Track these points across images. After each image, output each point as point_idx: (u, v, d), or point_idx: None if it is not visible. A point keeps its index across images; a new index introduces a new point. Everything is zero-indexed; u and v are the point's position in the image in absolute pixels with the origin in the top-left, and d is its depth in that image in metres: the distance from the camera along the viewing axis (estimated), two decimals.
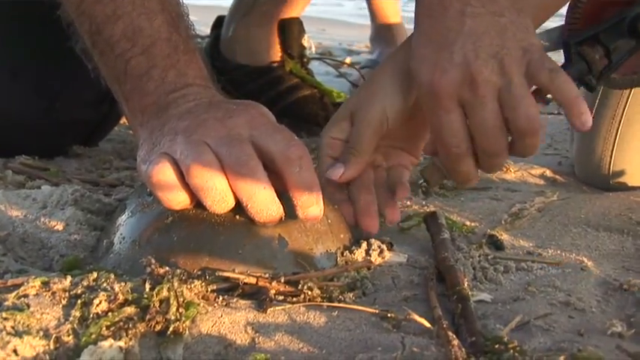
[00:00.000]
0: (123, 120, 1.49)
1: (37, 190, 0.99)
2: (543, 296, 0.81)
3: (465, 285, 0.79)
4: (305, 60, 1.61)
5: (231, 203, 0.81)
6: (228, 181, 0.80)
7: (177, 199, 0.81)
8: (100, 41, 0.91)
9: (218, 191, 0.79)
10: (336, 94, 1.62)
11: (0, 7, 1.26)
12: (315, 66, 1.68)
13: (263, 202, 0.80)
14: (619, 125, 1.20)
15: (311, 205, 0.82)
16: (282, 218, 0.82)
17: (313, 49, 2.25)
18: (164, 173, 0.80)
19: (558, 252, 0.95)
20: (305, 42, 1.60)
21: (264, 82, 1.58)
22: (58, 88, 1.28)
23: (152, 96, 0.89)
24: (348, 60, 2.66)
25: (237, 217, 0.82)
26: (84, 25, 0.92)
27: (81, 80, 1.29)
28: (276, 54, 1.59)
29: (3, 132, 1.27)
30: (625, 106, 1.19)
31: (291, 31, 1.56)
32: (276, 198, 0.81)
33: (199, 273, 0.76)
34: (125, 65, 0.90)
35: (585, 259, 0.92)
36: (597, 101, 1.23)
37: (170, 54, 0.90)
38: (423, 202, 1.14)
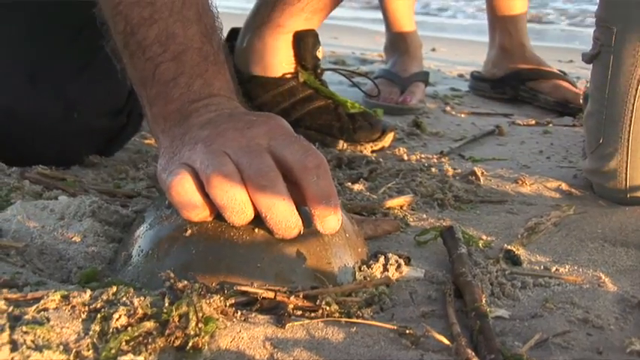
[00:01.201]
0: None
1: (54, 200, 1.00)
2: (561, 313, 0.81)
3: (483, 301, 0.79)
4: (319, 71, 1.62)
5: (251, 215, 0.81)
6: (248, 193, 0.80)
7: (197, 212, 0.81)
8: (133, 43, 0.92)
9: (238, 202, 0.79)
10: (350, 105, 1.62)
11: (21, 11, 1.27)
12: (328, 75, 1.68)
13: (282, 213, 0.80)
14: (628, 142, 1.19)
15: (328, 215, 0.81)
16: (300, 231, 0.82)
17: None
18: (183, 185, 0.80)
19: (575, 267, 0.95)
20: (319, 54, 1.60)
21: (278, 93, 1.58)
22: (77, 96, 1.28)
23: (176, 103, 0.90)
24: (361, 69, 2.67)
25: (256, 230, 0.82)
26: (119, 25, 0.93)
27: (99, 90, 1.30)
28: (291, 65, 1.59)
29: (21, 139, 1.27)
30: (631, 121, 1.19)
31: (306, 42, 1.56)
32: (296, 210, 0.81)
33: (218, 287, 0.76)
34: (154, 69, 0.91)
35: (603, 275, 0.92)
36: (605, 117, 1.22)
37: (199, 63, 0.91)
38: (439, 216, 1.14)
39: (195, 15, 0.93)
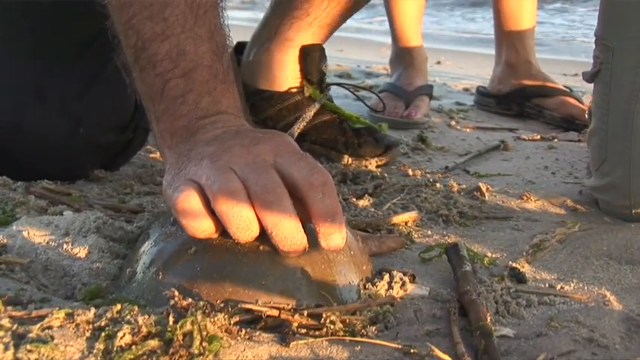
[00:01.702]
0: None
1: (59, 216, 1.00)
2: (566, 332, 0.81)
3: (488, 320, 0.79)
4: (324, 85, 1.62)
5: (256, 231, 0.81)
6: (254, 209, 0.80)
7: (202, 228, 0.81)
8: (143, 58, 0.92)
9: (243, 218, 0.79)
10: (355, 119, 1.62)
11: (28, 27, 1.27)
12: (333, 89, 1.68)
13: (288, 230, 0.80)
14: (630, 159, 1.18)
15: (333, 232, 0.81)
16: (306, 249, 0.82)
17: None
18: (189, 201, 0.80)
19: (580, 285, 0.95)
20: (325, 68, 1.60)
21: (283, 107, 1.58)
22: (83, 112, 1.28)
23: (183, 119, 0.90)
24: (366, 83, 2.67)
25: (261, 247, 0.82)
26: (130, 39, 0.93)
27: (106, 105, 1.30)
28: (297, 79, 1.59)
29: (26, 154, 1.28)
30: (632, 138, 1.18)
31: (312, 57, 1.56)
32: (301, 227, 0.81)
33: (222, 305, 0.75)
34: (163, 85, 0.91)
35: (608, 294, 0.92)
36: (607, 135, 1.22)
37: (209, 81, 0.91)
38: (444, 233, 1.13)
39: (206, 33, 0.93)
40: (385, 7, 2.31)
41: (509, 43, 2.25)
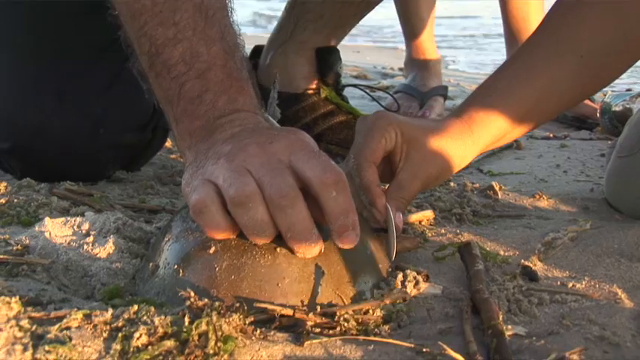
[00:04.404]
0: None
1: (80, 217, 0.99)
2: (578, 330, 0.79)
3: (500, 319, 0.78)
4: (340, 87, 1.61)
5: (271, 234, 0.80)
6: (269, 212, 0.79)
7: (219, 229, 0.80)
8: (158, 63, 0.91)
9: (259, 222, 0.78)
10: None
11: (51, 33, 1.27)
12: (349, 90, 1.67)
13: (302, 233, 0.79)
14: None
15: (347, 229, 0.80)
16: (321, 250, 0.81)
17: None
18: (206, 204, 0.79)
19: (592, 283, 0.93)
20: (340, 70, 1.59)
21: (300, 108, 1.58)
22: (103, 113, 1.28)
23: (201, 119, 0.89)
24: (382, 83, 2.66)
25: (278, 249, 0.81)
26: (144, 46, 0.92)
27: (125, 106, 1.30)
28: (313, 81, 1.58)
29: (49, 156, 1.28)
30: None
31: (327, 59, 1.56)
32: (316, 229, 0.80)
33: (237, 305, 0.75)
34: (180, 88, 0.90)
35: (619, 291, 0.90)
36: None
37: (223, 80, 0.90)
38: (457, 231, 1.12)
39: (217, 33, 0.92)
40: (397, 10, 2.29)
41: (519, 43, 2.22)
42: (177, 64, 0.90)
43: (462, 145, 1.03)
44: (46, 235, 0.94)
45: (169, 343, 0.67)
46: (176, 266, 0.82)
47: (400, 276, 0.88)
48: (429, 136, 1.02)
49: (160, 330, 0.68)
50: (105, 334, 0.69)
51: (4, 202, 1.12)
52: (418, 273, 0.89)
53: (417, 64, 2.26)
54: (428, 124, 1.07)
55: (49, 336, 0.67)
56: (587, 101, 2.11)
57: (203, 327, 0.68)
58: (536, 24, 2.14)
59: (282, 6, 1.66)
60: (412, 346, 0.73)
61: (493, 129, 1.04)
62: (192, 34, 0.91)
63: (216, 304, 0.72)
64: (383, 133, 1.00)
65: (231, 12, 0.97)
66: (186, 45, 0.90)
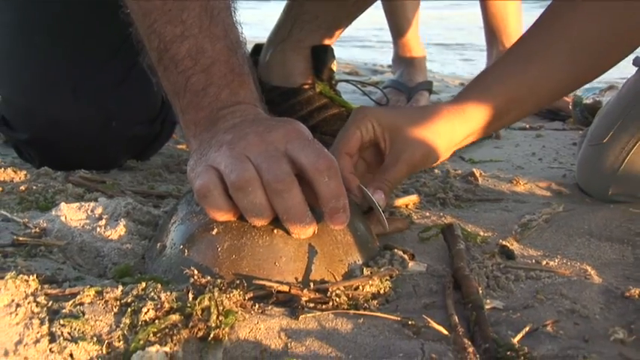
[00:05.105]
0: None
1: (93, 202, 0.98)
2: (551, 303, 0.79)
3: (479, 293, 0.77)
4: (333, 82, 1.60)
5: (269, 216, 0.80)
6: (267, 196, 0.79)
7: (221, 212, 0.80)
8: (166, 58, 0.91)
9: (257, 205, 0.78)
10: None
11: (67, 31, 1.27)
12: (342, 85, 1.66)
13: (298, 215, 0.79)
14: (633, 147, 1.15)
15: (338, 212, 0.80)
16: (315, 231, 0.81)
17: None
18: (209, 188, 0.79)
19: (564, 261, 0.93)
20: (334, 66, 1.58)
21: (296, 102, 1.57)
22: (115, 107, 1.28)
23: (205, 110, 0.89)
24: (373, 79, 2.65)
25: (275, 230, 0.80)
26: (153, 42, 0.92)
27: (136, 101, 1.30)
28: (308, 77, 1.57)
29: (65, 146, 1.27)
30: None
31: (322, 56, 1.55)
32: (310, 212, 0.80)
33: (237, 282, 0.74)
34: (186, 81, 0.90)
35: (589, 268, 0.90)
36: (621, 122, 1.18)
37: (226, 74, 0.90)
38: (441, 214, 1.12)
39: (221, 31, 0.92)
40: (385, 11, 2.28)
41: (498, 41, 2.22)
42: (183, 59, 0.90)
43: (449, 126, 1.01)
44: (62, 218, 0.93)
45: (175, 317, 0.66)
46: (181, 246, 0.82)
47: (388, 255, 0.88)
48: (413, 123, 1.00)
49: (166, 305, 0.68)
50: (115, 309, 0.69)
51: (23, 189, 1.12)
52: (404, 252, 0.89)
53: (404, 61, 2.25)
54: (413, 112, 1.06)
55: (63, 311, 0.67)
56: None
57: (206, 302, 0.68)
58: (515, 24, 2.13)
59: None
60: (399, 319, 0.73)
61: (486, 109, 1.02)
62: (199, 31, 0.90)
63: (218, 281, 0.72)
64: (358, 125, 1.00)
65: (234, 12, 0.96)
66: (193, 42, 0.90)
